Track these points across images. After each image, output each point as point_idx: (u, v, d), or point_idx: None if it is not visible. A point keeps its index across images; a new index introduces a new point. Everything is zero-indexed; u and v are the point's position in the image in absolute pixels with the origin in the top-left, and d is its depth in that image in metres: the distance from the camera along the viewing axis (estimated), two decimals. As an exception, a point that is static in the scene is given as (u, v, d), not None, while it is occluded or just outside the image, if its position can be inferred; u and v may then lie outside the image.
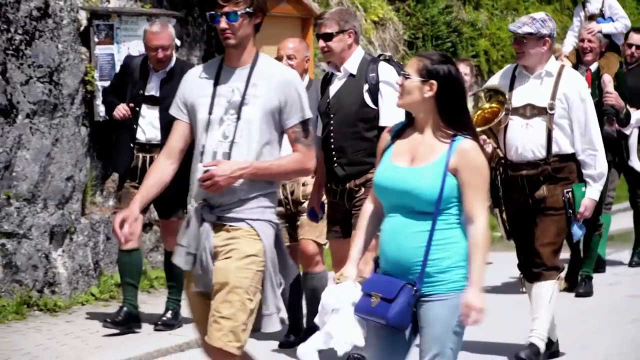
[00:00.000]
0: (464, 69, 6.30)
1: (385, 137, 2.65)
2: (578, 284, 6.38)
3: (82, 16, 6.36)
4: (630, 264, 7.00)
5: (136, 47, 6.36)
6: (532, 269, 4.53)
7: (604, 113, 5.78)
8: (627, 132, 6.60)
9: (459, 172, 2.47)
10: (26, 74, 5.54)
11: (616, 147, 6.57)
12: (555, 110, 4.44)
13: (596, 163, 4.46)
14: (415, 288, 2.43)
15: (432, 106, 2.49)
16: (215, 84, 2.82)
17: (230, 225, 2.76)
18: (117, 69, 6.29)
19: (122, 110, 5.14)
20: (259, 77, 2.80)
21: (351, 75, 4.27)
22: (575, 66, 6.10)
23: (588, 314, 5.63)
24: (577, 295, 6.26)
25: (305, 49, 5.07)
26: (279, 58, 4.74)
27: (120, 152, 5.34)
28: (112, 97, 5.41)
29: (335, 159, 4.27)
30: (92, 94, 6.29)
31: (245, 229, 2.74)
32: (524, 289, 4.78)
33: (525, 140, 4.46)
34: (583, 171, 4.46)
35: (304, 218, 4.71)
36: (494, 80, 4.82)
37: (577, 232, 4.74)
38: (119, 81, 5.46)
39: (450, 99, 2.51)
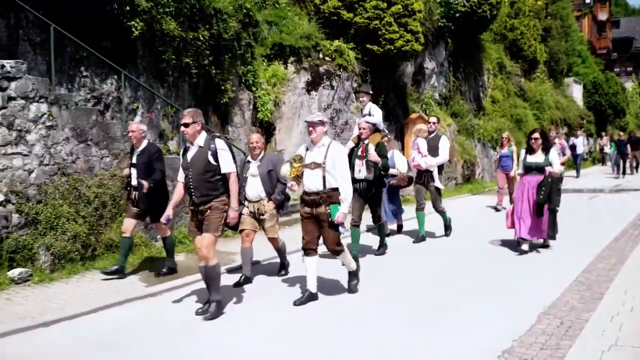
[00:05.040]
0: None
1: None
2: (418, 240, 8.75)
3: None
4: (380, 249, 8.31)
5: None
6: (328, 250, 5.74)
7: (367, 164, 7.08)
8: (431, 169, 8.68)
9: None
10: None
11: (425, 176, 8.78)
12: (327, 164, 5.54)
13: (345, 193, 5.56)
14: None
15: None
16: None
17: None
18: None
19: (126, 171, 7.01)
20: None
21: (200, 146, 5.34)
22: (358, 142, 7.32)
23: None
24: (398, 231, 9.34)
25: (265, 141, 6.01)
26: (250, 142, 6.39)
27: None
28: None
29: (192, 192, 5.37)
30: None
31: None
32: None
33: (312, 180, 5.62)
34: (340, 197, 5.50)
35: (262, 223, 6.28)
36: (300, 150, 5.80)
37: (342, 230, 5.80)
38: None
39: None
